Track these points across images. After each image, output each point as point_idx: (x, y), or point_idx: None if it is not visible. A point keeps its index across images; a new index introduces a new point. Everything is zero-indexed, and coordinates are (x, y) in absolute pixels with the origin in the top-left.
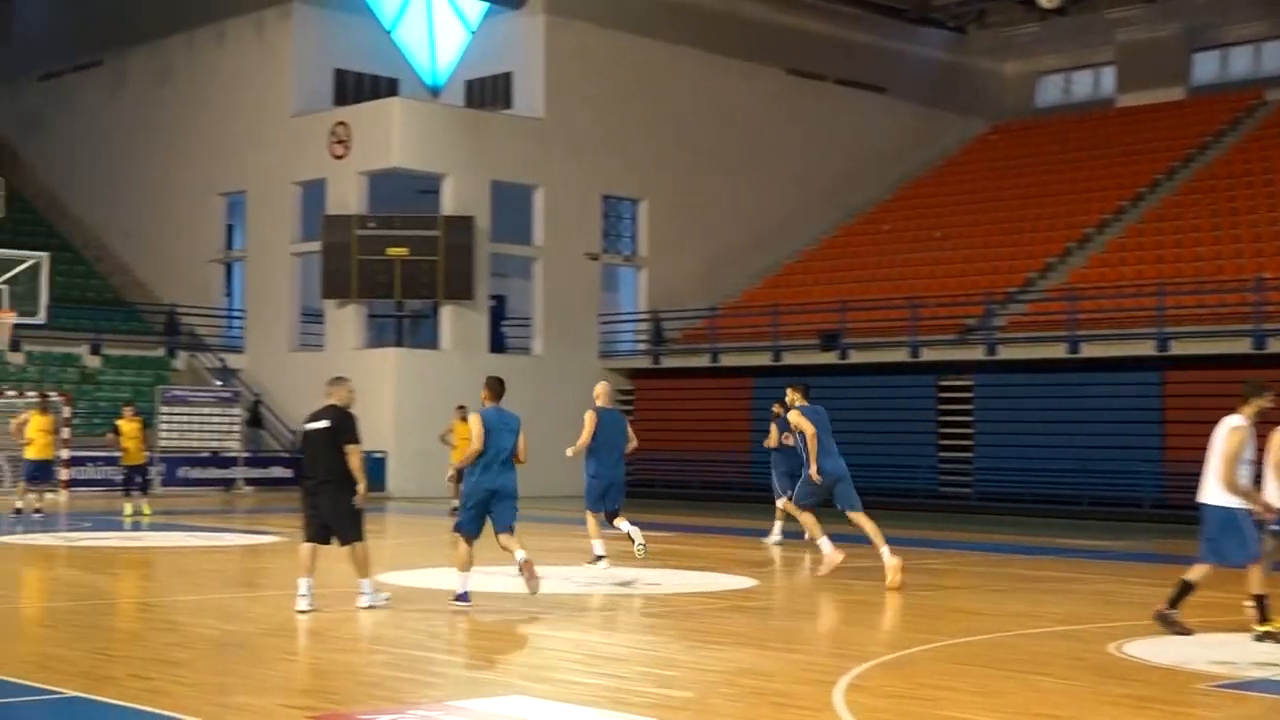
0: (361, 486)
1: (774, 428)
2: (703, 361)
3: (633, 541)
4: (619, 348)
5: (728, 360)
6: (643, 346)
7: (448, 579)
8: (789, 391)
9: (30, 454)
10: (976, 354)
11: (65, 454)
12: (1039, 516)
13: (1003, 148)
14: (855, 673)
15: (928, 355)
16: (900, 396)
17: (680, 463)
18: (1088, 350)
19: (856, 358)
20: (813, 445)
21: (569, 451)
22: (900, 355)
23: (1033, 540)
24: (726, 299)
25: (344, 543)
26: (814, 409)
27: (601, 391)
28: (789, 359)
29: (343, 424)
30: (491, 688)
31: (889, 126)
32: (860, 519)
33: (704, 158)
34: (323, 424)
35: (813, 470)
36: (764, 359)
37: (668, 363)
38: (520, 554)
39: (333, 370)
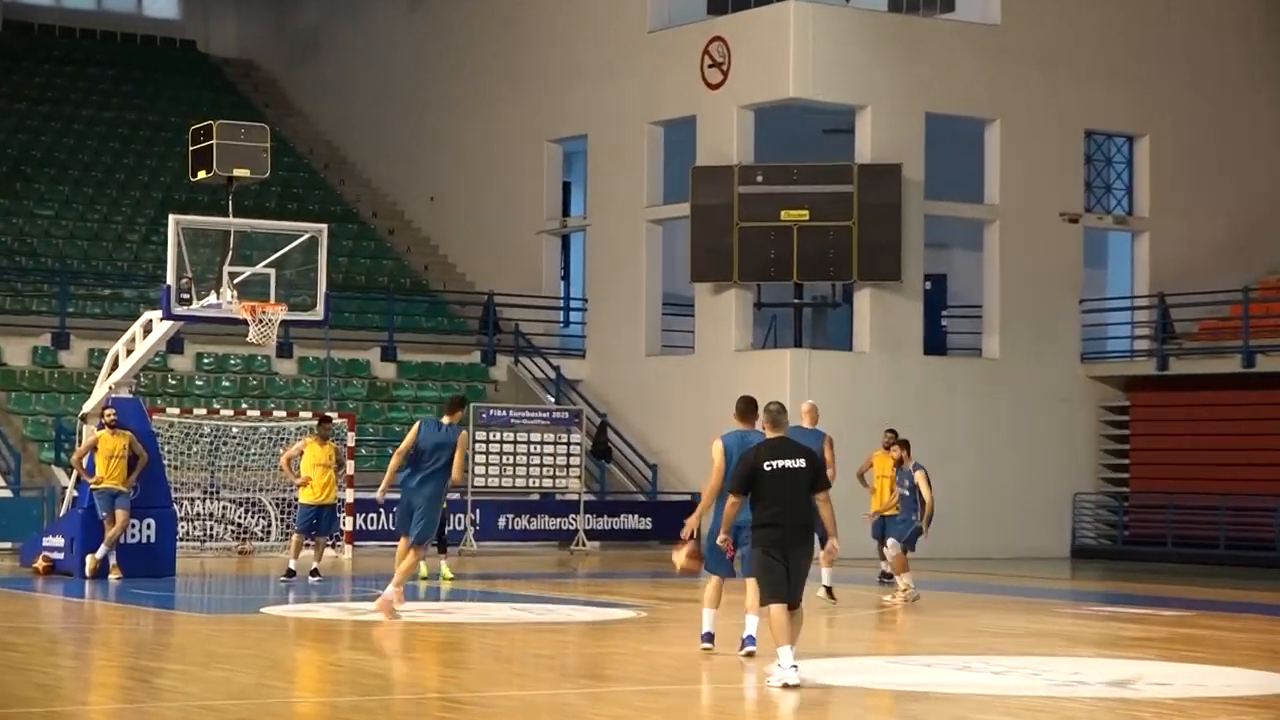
0: (835, 542)
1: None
2: (1231, 366)
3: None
4: (1109, 346)
5: (1268, 364)
6: (1143, 345)
7: (880, 672)
8: (447, 412)
9: (306, 497)
10: None
11: (350, 496)
12: None
13: None
14: None
15: None
16: None
17: (1198, 510)
18: None
19: None
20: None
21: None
22: None
23: None
24: (1267, 276)
25: (794, 604)
26: (449, 427)
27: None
28: None
29: (818, 466)
30: None
31: None
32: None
33: (1233, 76)
34: (800, 464)
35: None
36: None
37: (1179, 368)
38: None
39: (705, 379)
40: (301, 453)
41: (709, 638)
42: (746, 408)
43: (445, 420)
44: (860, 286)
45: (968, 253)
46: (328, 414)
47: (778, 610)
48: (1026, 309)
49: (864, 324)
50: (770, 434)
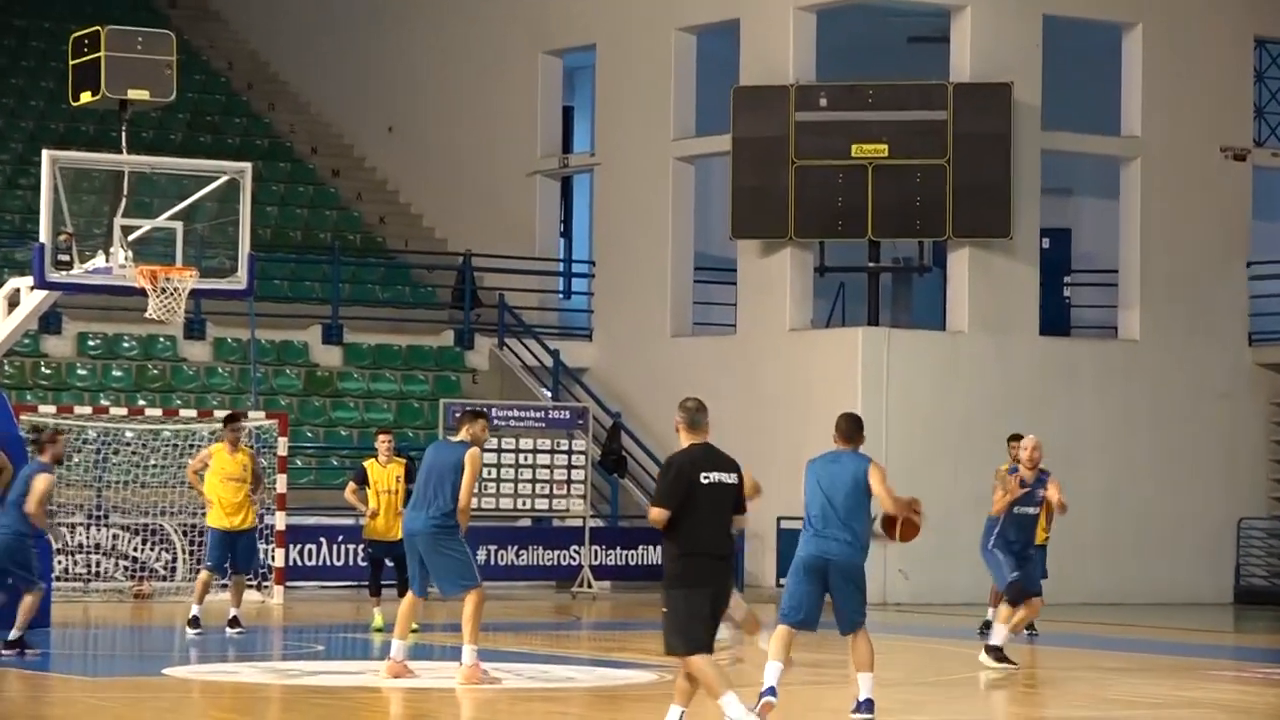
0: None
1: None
2: None
3: None
4: None
5: None
6: None
7: None
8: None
9: (214, 520)
10: None
11: (280, 522)
12: None
13: None
14: None
15: None
16: None
17: None
18: None
19: None
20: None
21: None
22: None
23: None
24: None
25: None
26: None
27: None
28: None
29: (742, 480)
30: None
31: None
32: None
33: None
34: (733, 478)
35: None
36: None
37: None
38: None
39: (751, 367)
40: (207, 464)
41: (770, 692)
42: (850, 427)
43: (455, 438)
44: (956, 245)
45: (1099, 201)
46: (243, 412)
47: (702, 663)
48: (1176, 275)
49: (961, 295)
50: (690, 438)
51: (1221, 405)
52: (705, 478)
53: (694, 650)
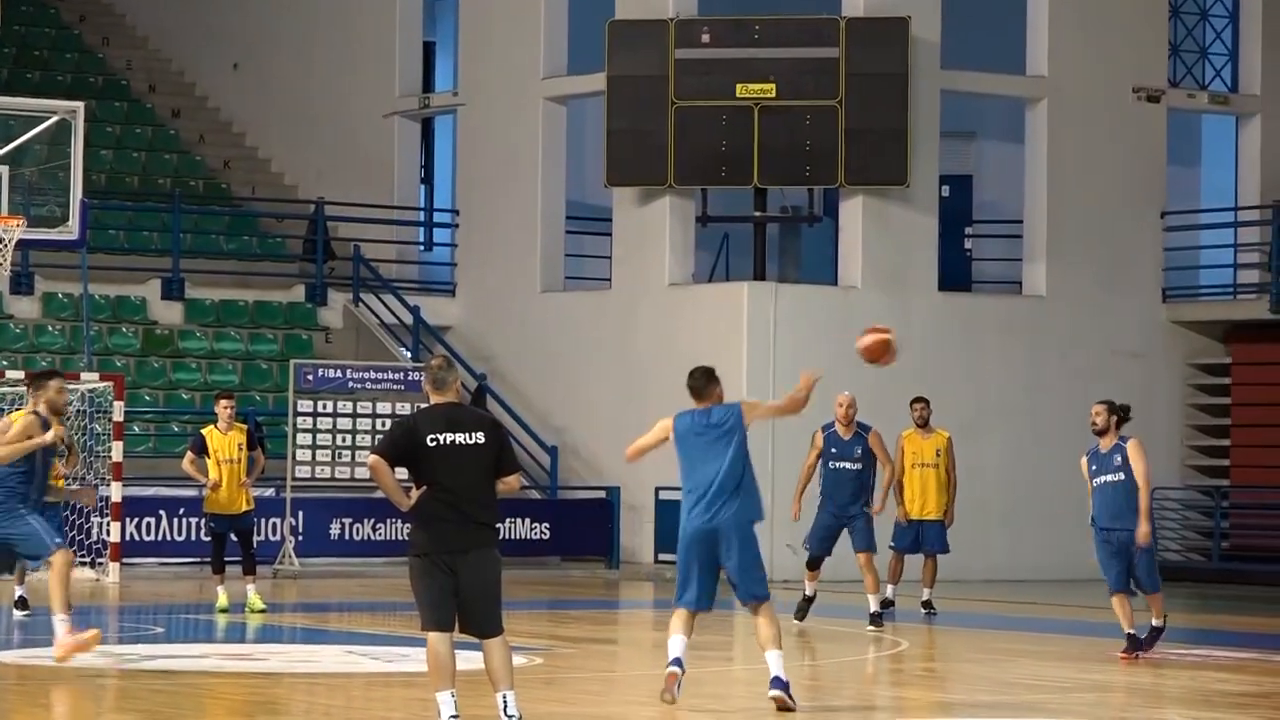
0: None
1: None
2: None
3: None
4: (1202, 279)
5: None
6: (1251, 277)
7: None
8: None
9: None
10: None
11: (116, 493)
12: None
13: None
14: None
15: None
16: None
17: None
18: None
19: None
20: None
21: None
22: None
23: None
24: None
25: (483, 634)
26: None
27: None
28: None
29: (502, 440)
30: None
31: None
32: None
33: None
34: (477, 438)
35: None
36: None
37: None
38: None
39: (627, 325)
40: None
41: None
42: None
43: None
44: (849, 194)
45: (1002, 145)
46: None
47: (436, 640)
48: (1086, 225)
49: (854, 247)
50: (436, 398)
51: (1134, 366)
52: (434, 439)
53: (432, 626)
